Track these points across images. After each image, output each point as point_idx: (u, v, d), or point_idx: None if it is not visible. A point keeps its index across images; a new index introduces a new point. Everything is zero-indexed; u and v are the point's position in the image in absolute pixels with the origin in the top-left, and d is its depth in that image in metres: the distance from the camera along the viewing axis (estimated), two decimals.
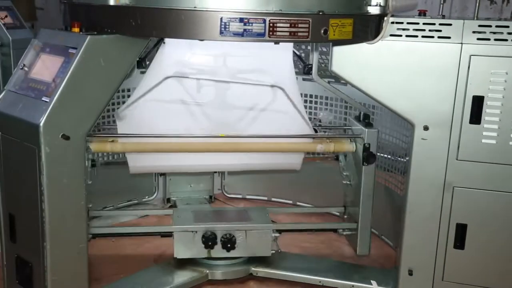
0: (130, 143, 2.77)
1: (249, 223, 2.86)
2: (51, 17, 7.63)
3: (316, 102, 3.75)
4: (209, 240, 2.77)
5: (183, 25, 2.13)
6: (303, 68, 2.89)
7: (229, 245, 2.78)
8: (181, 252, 2.81)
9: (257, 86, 2.91)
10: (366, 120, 2.99)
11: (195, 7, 2.12)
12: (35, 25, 7.29)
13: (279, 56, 2.91)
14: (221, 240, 2.78)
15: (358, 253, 3.03)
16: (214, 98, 2.92)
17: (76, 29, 2.22)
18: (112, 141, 2.75)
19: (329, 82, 3.68)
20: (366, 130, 2.87)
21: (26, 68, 2.29)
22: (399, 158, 3.26)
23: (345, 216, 3.25)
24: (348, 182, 3.13)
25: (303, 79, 3.77)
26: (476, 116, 2.40)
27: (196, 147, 2.83)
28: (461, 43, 2.36)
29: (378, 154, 3.46)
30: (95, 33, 2.21)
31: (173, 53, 2.79)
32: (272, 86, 2.91)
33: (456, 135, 2.44)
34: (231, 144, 2.85)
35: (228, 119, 2.94)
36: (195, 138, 2.81)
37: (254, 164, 3.08)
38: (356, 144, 2.95)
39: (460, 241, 2.54)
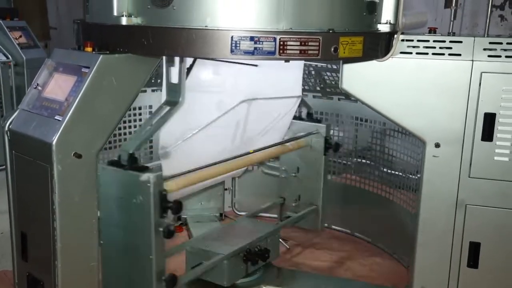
0: (180, 179, 2.51)
1: None
2: (64, 36, 7.75)
3: (326, 120, 3.76)
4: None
5: (194, 44, 2.15)
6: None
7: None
8: None
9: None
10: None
11: (206, 26, 2.14)
12: (48, 44, 7.41)
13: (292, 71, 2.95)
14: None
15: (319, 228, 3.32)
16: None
17: (89, 49, 2.25)
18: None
19: (339, 100, 3.70)
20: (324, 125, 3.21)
21: (39, 87, 2.31)
22: (410, 176, 3.24)
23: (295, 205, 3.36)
24: (293, 175, 3.34)
25: (313, 96, 3.78)
26: (488, 133, 2.39)
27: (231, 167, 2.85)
28: (472, 60, 2.36)
29: (389, 171, 3.45)
30: (108, 52, 2.24)
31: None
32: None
33: (468, 152, 2.42)
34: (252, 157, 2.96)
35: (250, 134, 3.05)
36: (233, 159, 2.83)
37: None
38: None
39: (473, 260, 2.50)
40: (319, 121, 3.37)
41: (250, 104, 2.95)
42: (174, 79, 2.40)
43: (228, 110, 2.83)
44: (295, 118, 3.29)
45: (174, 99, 2.40)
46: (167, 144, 2.72)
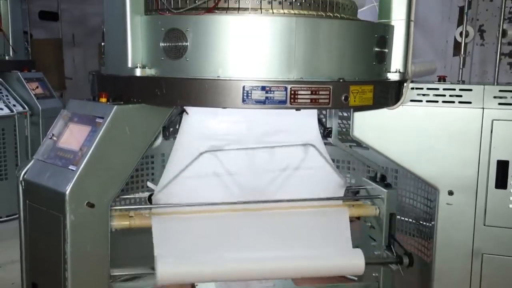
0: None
1: None
2: (79, 86, 7.91)
3: (337, 167, 3.74)
4: None
5: (206, 94, 2.19)
6: (323, 131, 2.90)
7: None
8: None
9: (285, 147, 2.92)
10: (384, 181, 2.97)
11: (218, 77, 2.18)
12: (64, 94, 7.56)
13: (304, 117, 2.96)
14: None
15: None
16: (246, 165, 2.89)
17: (104, 99, 2.29)
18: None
19: (350, 146, 3.70)
20: (387, 191, 2.82)
21: (54, 138, 2.35)
22: (423, 223, 3.19)
23: None
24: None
25: (324, 144, 3.79)
26: (501, 181, 2.37)
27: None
28: (483, 108, 2.37)
29: (402, 218, 3.41)
30: (122, 102, 2.28)
31: (199, 123, 2.81)
32: (305, 144, 2.88)
33: (482, 200, 2.40)
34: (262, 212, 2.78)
35: (260, 185, 2.90)
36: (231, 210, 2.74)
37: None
38: (378, 208, 2.89)
39: None
40: (389, 185, 2.94)
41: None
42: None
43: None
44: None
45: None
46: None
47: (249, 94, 2.17)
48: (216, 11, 2.23)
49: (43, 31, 8.32)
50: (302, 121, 2.94)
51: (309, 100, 2.22)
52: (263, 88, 2.18)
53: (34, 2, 7.67)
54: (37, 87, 4.99)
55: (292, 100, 2.20)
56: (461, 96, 2.40)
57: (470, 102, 2.39)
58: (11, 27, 5.09)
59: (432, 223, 2.60)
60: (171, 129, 3.70)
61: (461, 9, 5.02)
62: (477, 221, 2.41)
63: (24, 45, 5.36)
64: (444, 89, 2.43)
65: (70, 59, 8.51)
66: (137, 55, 2.27)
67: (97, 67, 2.65)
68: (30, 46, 5.63)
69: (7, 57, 5.10)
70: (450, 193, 2.42)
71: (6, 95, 4.84)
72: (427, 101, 2.45)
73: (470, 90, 2.39)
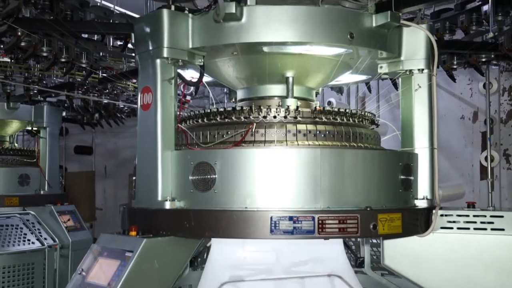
0: None
1: None
2: (109, 216, 8.03)
3: None
4: None
5: (235, 225, 2.20)
6: (355, 261, 2.83)
7: None
8: None
9: (314, 278, 2.84)
10: None
11: (246, 208, 2.20)
12: (93, 225, 7.66)
13: (331, 246, 2.91)
14: None
15: None
16: None
17: (133, 233, 2.32)
18: None
19: (382, 275, 3.58)
20: None
21: (83, 273, 2.35)
22: None
23: None
24: None
25: (356, 272, 3.67)
26: None
27: None
28: None
29: None
30: (151, 235, 2.30)
31: (226, 254, 2.79)
32: (329, 275, 2.83)
33: None
34: None
35: None
36: None
37: None
38: None
39: None
40: None
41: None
42: None
43: None
44: None
45: None
46: None
47: (277, 225, 2.18)
48: (243, 144, 2.32)
49: (77, 164, 8.68)
50: (331, 250, 2.89)
51: (337, 229, 2.21)
52: (290, 218, 2.19)
53: (70, 138, 8.10)
54: (69, 220, 5.07)
55: (320, 230, 2.19)
56: (493, 223, 2.35)
57: (503, 229, 2.33)
58: (48, 163, 5.31)
59: None
60: (199, 259, 3.68)
61: (483, 134, 5.09)
62: None
63: (59, 179, 5.56)
64: (474, 215, 2.39)
65: (101, 189, 8.75)
66: (166, 188, 2.33)
67: (127, 196, 2.72)
68: (64, 179, 5.82)
69: (42, 192, 5.26)
70: None
71: (38, 229, 4.90)
72: (458, 228, 2.40)
73: (502, 216, 2.35)
